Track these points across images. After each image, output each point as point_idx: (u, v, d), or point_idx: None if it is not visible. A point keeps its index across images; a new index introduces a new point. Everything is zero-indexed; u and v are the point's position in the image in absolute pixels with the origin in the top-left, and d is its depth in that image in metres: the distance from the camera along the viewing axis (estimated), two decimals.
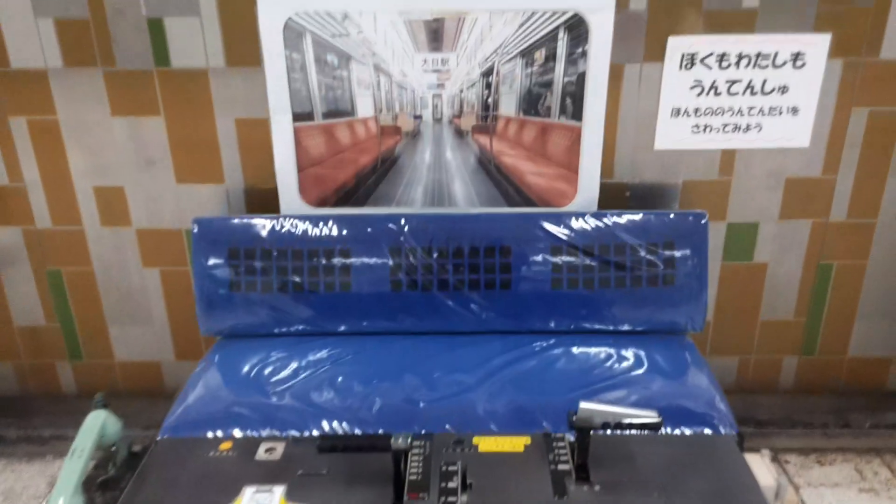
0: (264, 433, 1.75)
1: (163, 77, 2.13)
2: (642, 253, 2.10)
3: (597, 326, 2.17)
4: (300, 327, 2.16)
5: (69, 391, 2.59)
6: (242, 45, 2.10)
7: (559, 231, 2.12)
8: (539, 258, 2.12)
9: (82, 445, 1.38)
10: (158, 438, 1.75)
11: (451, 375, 1.98)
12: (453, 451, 1.51)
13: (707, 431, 1.75)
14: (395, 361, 2.05)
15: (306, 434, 1.75)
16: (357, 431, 1.77)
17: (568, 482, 1.41)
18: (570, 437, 1.51)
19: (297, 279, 2.11)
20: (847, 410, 2.60)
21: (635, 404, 1.85)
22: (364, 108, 2.19)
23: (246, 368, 2.02)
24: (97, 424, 1.42)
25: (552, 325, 2.17)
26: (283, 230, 2.12)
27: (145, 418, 2.56)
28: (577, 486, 1.39)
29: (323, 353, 2.08)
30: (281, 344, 2.13)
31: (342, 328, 2.17)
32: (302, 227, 2.13)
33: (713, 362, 2.51)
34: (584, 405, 1.40)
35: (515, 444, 1.54)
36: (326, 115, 2.18)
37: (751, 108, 2.19)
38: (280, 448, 1.50)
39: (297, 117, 2.17)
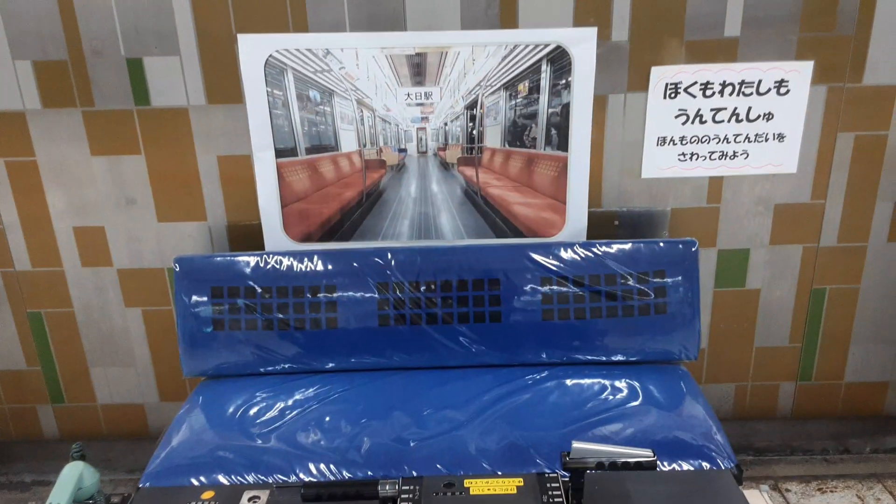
0: (249, 478, 1.69)
1: (143, 116, 2.11)
2: (633, 282, 2.07)
3: (589, 357, 2.13)
4: (286, 365, 2.11)
5: (51, 435, 2.52)
6: (223, 83, 2.08)
7: (548, 262, 2.09)
8: (528, 289, 2.09)
9: (58, 499, 1.32)
10: (140, 486, 1.69)
11: (441, 412, 1.93)
12: (444, 494, 1.46)
13: (705, 465, 1.71)
14: (384, 399, 2.00)
15: (292, 478, 1.70)
16: (345, 474, 1.72)
17: None
18: (565, 477, 1.46)
19: (283, 316, 2.07)
20: (846, 436, 2.56)
21: (631, 438, 1.82)
22: (348, 143, 2.17)
23: (231, 410, 1.97)
24: (74, 476, 1.37)
25: (544, 356, 2.14)
26: (268, 267, 2.09)
27: (129, 462, 2.51)
28: None
29: (310, 392, 2.03)
30: (267, 383, 2.07)
31: (329, 365, 2.13)
32: (287, 263, 2.09)
33: (710, 390, 2.48)
34: (577, 445, 1.36)
35: (508, 485, 1.49)
36: (310, 150, 2.16)
37: (737, 136, 2.18)
38: (264, 497, 1.45)
39: (280, 153, 2.15)
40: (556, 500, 1.43)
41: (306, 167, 2.17)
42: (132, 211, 2.21)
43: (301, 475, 1.71)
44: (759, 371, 2.47)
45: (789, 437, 2.55)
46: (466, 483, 1.50)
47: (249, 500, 1.44)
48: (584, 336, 2.12)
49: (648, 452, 1.35)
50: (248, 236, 2.23)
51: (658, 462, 1.37)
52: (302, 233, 2.23)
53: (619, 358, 2.13)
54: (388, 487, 1.28)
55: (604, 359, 2.13)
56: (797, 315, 2.39)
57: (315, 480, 1.66)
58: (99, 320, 2.35)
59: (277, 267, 2.09)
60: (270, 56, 2.04)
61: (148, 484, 1.70)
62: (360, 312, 2.09)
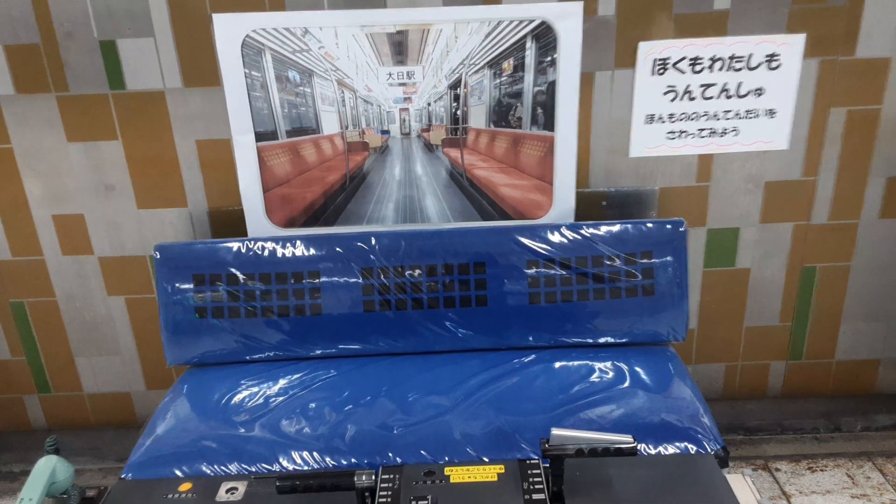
0: (231, 467, 1.68)
1: (118, 100, 2.06)
2: (620, 264, 2.04)
3: (576, 340, 2.11)
4: (271, 353, 2.09)
5: (38, 425, 2.51)
6: (200, 65, 2.03)
7: (535, 244, 2.06)
8: (515, 272, 2.06)
9: (30, 494, 1.31)
10: (122, 476, 1.68)
11: (426, 398, 1.91)
12: (424, 482, 1.45)
13: (691, 447, 1.69)
14: (369, 385, 1.98)
15: (276, 467, 1.68)
16: (329, 461, 1.70)
17: None
18: (546, 463, 1.45)
19: (266, 303, 2.04)
20: (837, 414, 2.55)
21: (617, 421, 1.80)
22: (329, 125, 2.12)
23: (215, 398, 1.95)
24: (47, 471, 1.35)
25: (531, 340, 2.11)
26: (250, 253, 2.05)
27: (118, 450, 2.50)
28: None
29: (295, 379, 2.01)
30: (251, 371, 2.06)
31: (315, 352, 2.11)
32: (269, 249, 2.06)
33: (699, 370, 2.46)
34: (556, 432, 1.34)
35: (489, 473, 1.48)
36: (290, 133, 2.12)
37: (727, 112, 2.14)
38: (242, 488, 1.44)
39: (260, 136, 2.10)
40: (536, 486, 1.42)
41: (287, 150, 2.13)
42: (111, 198, 2.18)
43: (284, 463, 1.70)
44: (749, 350, 2.44)
45: (780, 416, 2.54)
46: (447, 471, 1.48)
47: (227, 491, 1.42)
48: (572, 319, 2.09)
49: (628, 438, 1.33)
50: (229, 222, 2.19)
51: (639, 447, 1.35)
52: (285, 218, 2.20)
53: (607, 340, 2.11)
54: (364, 478, 1.26)
55: (591, 341, 2.11)
56: (788, 294, 2.37)
57: (291, 472, 1.65)
58: (82, 309, 2.32)
59: (260, 253, 2.06)
60: (247, 36, 1.99)
61: (130, 475, 1.69)
62: (345, 298, 2.06)
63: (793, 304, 2.38)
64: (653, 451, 1.68)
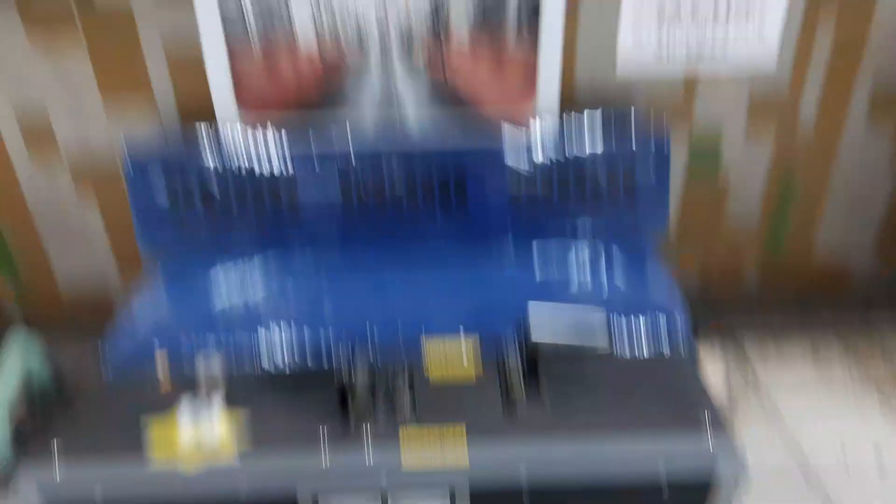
0: (209, 348, 1.67)
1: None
2: (603, 163, 2.01)
3: (556, 237, 2.11)
4: (245, 247, 2.06)
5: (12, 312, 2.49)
6: None
7: (517, 145, 2.01)
8: (496, 173, 2.01)
9: (4, 377, 1.29)
10: (102, 359, 1.67)
11: (405, 277, 1.94)
12: (402, 378, 1.46)
13: (662, 323, 1.69)
14: (346, 270, 1.99)
15: (253, 340, 1.67)
16: (306, 336, 1.69)
17: (519, 403, 1.37)
18: (522, 357, 1.47)
19: (239, 195, 1.99)
20: (810, 309, 2.61)
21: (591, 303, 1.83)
22: (302, 24, 2.00)
23: (189, 286, 1.95)
24: (19, 355, 1.33)
25: (511, 240, 2.10)
26: (221, 140, 1.99)
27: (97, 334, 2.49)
28: (528, 406, 1.36)
29: (269, 266, 2.01)
30: (225, 266, 2.03)
31: (291, 241, 2.07)
32: (241, 139, 1.99)
33: (675, 269, 2.49)
34: (533, 305, 1.35)
35: (467, 370, 1.48)
36: (262, 35, 2.01)
37: (715, 28, 2.06)
38: (219, 363, 1.44)
39: (229, 36, 2.00)
40: (513, 379, 1.44)
41: (258, 52, 2.03)
42: (73, 83, 2.08)
43: (262, 343, 1.68)
44: (725, 249, 2.47)
45: (753, 311, 2.59)
46: (426, 362, 1.49)
47: (204, 364, 1.42)
48: (552, 217, 2.08)
49: (600, 311, 1.35)
50: (199, 112, 2.10)
51: (610, 319, 1.37)
52: (257, 112, 2.11)
53: (588, 238, 2.11)
54: (343, 375, 1.27)
55: (572, 239, 2.11)
56: (768, 194, 2.37)
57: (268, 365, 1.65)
58: (50, 201, 2.26)
59: (232, 141, 1.99)
60: None
61: (110, 359, 1.68)
62: (321, 193, 2.01)
63: (774, 205, 2.39)
64: (623, 322, 1.68)
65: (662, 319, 1.69)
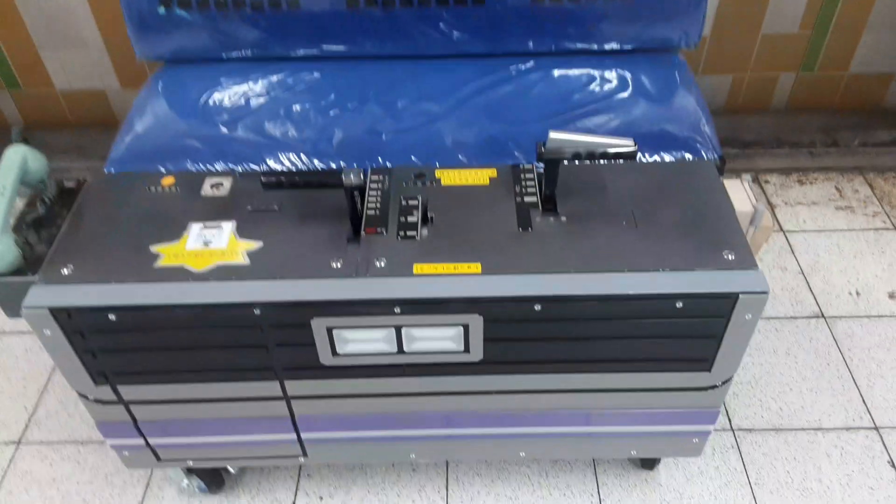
0: (217, 166, 1.63)
1: None
2: None
3: (580, 46, 1.94)
4: (248, 51, 1.92)
5: (14, 122, 2.43)
6: None
7: None
8: None
9: (3, 183, 1.25)
10: (105, 171, 1.64)
11: (417, 104, 1.81)
12: (414, 184, 1.42)
13: (688, 156, 1.65)
14: (355, 89, 1.85)
15: (261, 167, 1.64)
16: (317, 164, 1.66)
17: (534, 214, 1.33)
18: (540, 168, 1.41)
19: None
20: (838, 129, 2.48)
21: (615, 130, 1.73)
22: None
23: (193, 96, 1.84)
24: (17, 160, 1.28)
25: (531, 45, 1.94)
26: None
27: (103, 149, 2.45)
28: (543, 218, 1.32)
29: (276, 80, 1.88)
30: (229, 69, 1.91)
31: (296, 52, 1.94)
32: None
33: (705, 81, 2.34)
34: (553, 135, 1.27)
35: (480, 176, 1.44)
36: None
37: None
38: (227, 183, 1.40)
39: None
40: (529, 190, 1.39)
41: None
42: None
43: (270, 163, 1.65)
44: (760, 60, 2.30)
45: (779, 130, 2.48)
46: (438, 174, 1.44)
47: (212, 186, 1.39)
48: (577, 21, 1.89)
49: (629, 142, 1.26)
50: None
51: (640, 153, 1.30)
52: None
53: (614, 46, 1.94)
54: (352, 176, 1.21)
55: (596, 47, 1.94)
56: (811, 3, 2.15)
57: (278, 170, 1.61)
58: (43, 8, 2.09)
59: None
60: None
61: (112, 169, 1.65)
62: None
63: (816, 9, 2.17)
64: (649, 160, 1.64)
65: (689, 156, 1.62)
